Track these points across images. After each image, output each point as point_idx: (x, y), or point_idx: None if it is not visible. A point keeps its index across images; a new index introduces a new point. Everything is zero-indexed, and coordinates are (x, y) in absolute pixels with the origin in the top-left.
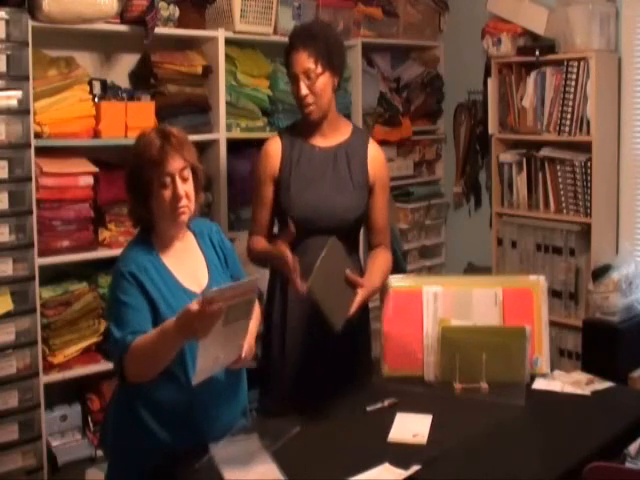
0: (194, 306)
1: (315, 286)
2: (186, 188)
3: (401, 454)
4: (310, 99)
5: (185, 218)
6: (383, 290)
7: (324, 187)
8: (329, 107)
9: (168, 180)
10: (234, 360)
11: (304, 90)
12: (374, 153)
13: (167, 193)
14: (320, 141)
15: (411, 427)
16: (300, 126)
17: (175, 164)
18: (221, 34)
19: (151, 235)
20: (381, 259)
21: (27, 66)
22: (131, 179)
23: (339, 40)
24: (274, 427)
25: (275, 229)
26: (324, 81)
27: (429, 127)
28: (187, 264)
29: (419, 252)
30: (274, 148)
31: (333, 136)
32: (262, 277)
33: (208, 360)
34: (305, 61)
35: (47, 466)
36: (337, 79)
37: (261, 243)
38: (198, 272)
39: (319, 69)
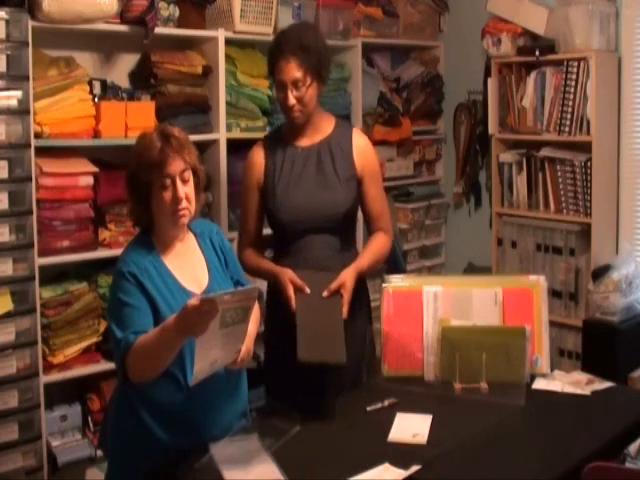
0: (192, 302)
1: (305, 354)
2: (186, 190)
3: (401, 454)
4: (297, 108)
5: (185, 220)
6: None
7: (309, 186)
8: (314, 111)
9: (168, 182)
10: (231, 362)
11: (292, 100)
12: (359, 143)
13: (167, 195)
14: (303, 141)
15: (411, 427)
16: (283, 129)
17: (175, 166)
18: (221, 34)
19: (151, 235)
20: (374, 242)
21: (27, 66)
22: (131, 180)
23: (327, 49)
24: (274, 427)
25: (269, 231)
26: (312, 91)
27: (429, 127)
28: (187, 265)
29: (419, 252)
30: (257, 156)
31: (315, 134)
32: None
33: (205, 362)
34: (295, 72)
35: (47, 466)
36: (323, 86)
37: (254, 259)
38: (198, 273)
39: (308, 80)
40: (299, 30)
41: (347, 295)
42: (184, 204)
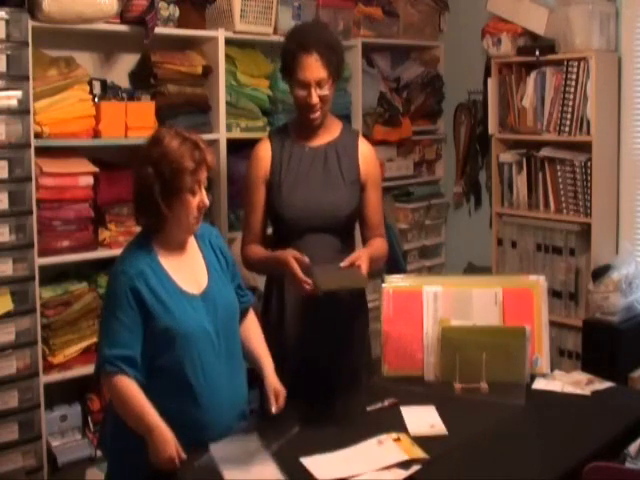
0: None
1: (322, 281)
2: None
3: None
4: (318, 106)
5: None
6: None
7: (315, 186)
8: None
9: (197, 188)
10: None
11: (315, 99)
12: (364, 150)
13: (195, 201)
14: (310, 140)
15: (424, 419)
16: (290, 127)
17: (204, 173)
18: (221, 34)
19: (152, 237)
20: (376, 242)
21: (27, 66)
22: (157, 185)
23: (343, 49)
24: (274, 427)
25: (269, 230)
26: (332, 91)
27: (429, 127)
28: (186, 266)
29: (419, 252)
30: (264, 151)
31: (324, 135)
32: (259, 276)
33: None
34: (320, 70)
35: (47, 466)
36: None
37: (259, 251)
38: (197, 274)
39: (330, 80)
40: (320, 29)
41: (364, 264)
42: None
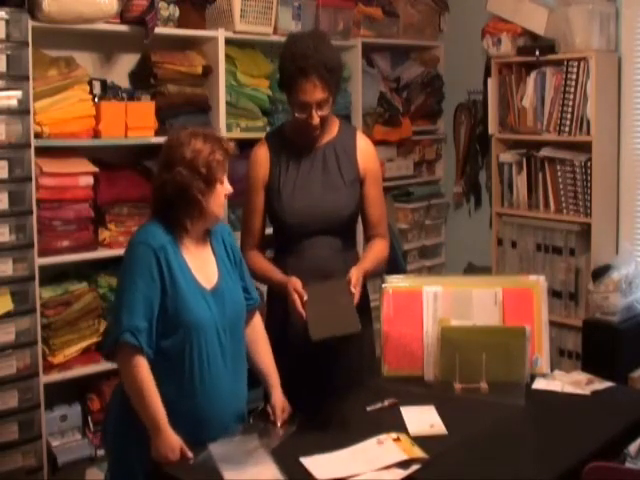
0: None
1: (314, 330)
2: None
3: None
4: (319, 125)
5: None
6: (381, 289)
7: (315, 188)
8: None
9: (224, 177)
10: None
11: (317, 120)
12: (362, 146)
13: (224, 190)
14: (308, 142)
15: (423, 419)
16: (286, 130)
17: (227, 162)
18: (221, 34)
19: (172, 227)
20: (374, 247)
21: (27, 66)
22: (196, 182)
23: (342, 65)
24: (273, 427)
25: (269, 230)
26: (331, 107)
27: (429, 127)
28: (201, 260)
29: (419, 252)
30: (262, 155)
31: (321, 135)
32: None
33: None
34: (320, 93)
35: (47, 466)
36: None
37: (259, 262)
38: (209, 269)
39: (331, 98)
40: (320, 46)
41: (357, 292)
42: None
